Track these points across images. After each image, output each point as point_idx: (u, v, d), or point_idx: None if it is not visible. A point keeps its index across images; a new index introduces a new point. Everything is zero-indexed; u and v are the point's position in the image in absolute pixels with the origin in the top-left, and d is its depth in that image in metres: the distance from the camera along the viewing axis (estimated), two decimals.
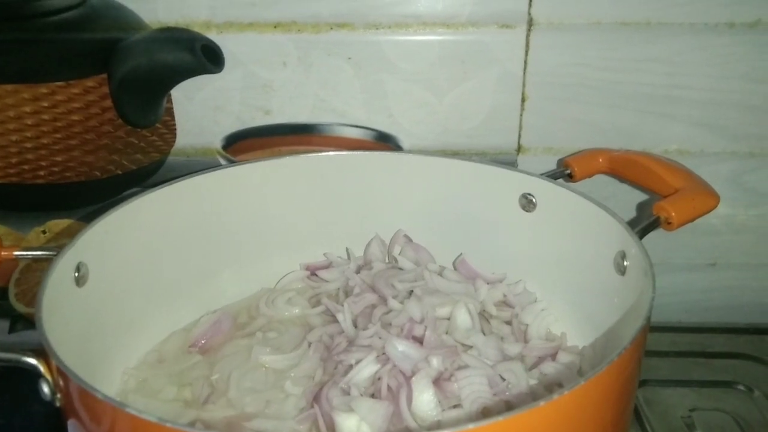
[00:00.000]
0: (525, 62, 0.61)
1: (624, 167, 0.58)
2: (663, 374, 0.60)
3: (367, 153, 0.60)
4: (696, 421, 0.55)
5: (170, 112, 0.63)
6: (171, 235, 0.54)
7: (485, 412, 0.44)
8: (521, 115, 0.63)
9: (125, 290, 0.51)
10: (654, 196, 0.54)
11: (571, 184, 0.56)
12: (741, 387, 0.59)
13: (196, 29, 0.60)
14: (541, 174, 0.55)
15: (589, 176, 0.59)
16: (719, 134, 0.64)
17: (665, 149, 0.64)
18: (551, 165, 0.64)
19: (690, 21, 0.60)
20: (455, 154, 0.64)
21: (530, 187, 0.55)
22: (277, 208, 0.59)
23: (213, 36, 0.60)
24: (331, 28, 0.60)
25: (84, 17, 0.60)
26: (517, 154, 0.65)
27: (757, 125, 0.63)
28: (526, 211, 0.55)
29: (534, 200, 0.55)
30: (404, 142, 0.64)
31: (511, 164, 0.64)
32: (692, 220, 0.50)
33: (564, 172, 0.58)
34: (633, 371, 0.38)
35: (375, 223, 0.61)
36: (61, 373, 0.34)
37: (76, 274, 0.45)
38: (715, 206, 0.52)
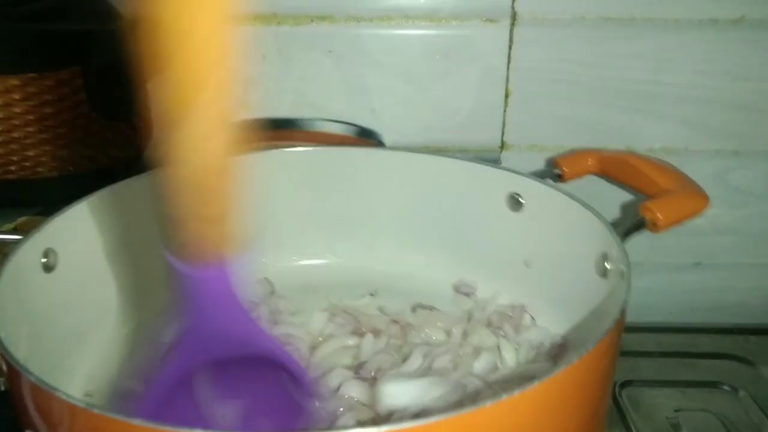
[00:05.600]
0: (509, 57, 0.60)
1: (614, 168, 0.56)
2: (648, 375, 0.59)
3: (350, 149, 0.59)
4: (681, 422, 0.54)
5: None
6: (143, 227, 0.52)
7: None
8: (505, 111, 0.62)
9: (94, 281, 0.49)
10: (642, 197, 0.52)
11: (559, 184, 0.55)
12: (726, 387, 0.58)
13: None
14: (529, 173, 0.54)
15: (579, 177, 0.57)
16: (704, 132, 0.63)
17: (650, 147, 0.63)
18: (535, 162, 0.63)
19: (674, 17, 0.59)
20: (438, 151, 0.63)
21: (518, 186, 0.53)
22: (261, 203, 0.57)
23: None
24: (312, 21, 0.59)
25: (58, 6, 0.58)
26: (501, 151, 0.64)
27: (742, 123, 0.63)
28: (513, 210, 0.54)
29: (521, 199, 0.53)
30: (386, 138, 0.63)
31: (495, 161, 0.64)
32: (679, 222, 0.48)
33: (553, 172, 0.56)
34: (599, 376, 0.36)
35: (357, 221, 0.59)
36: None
37: (45, 260, 0.44)
38: (704, 208, 0.50)
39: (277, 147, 0.61)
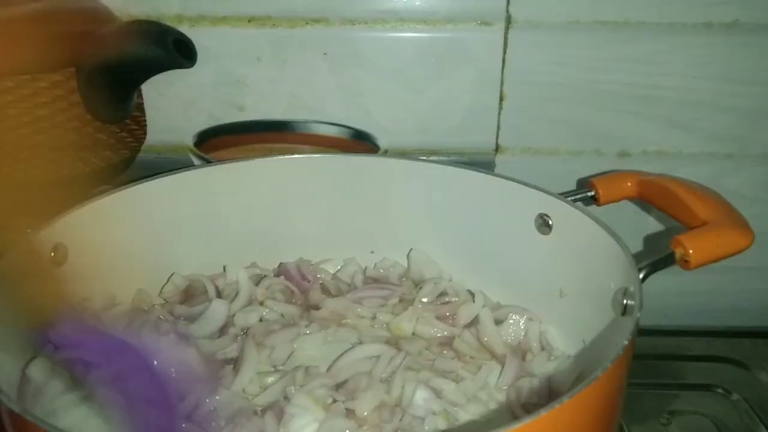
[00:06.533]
0: (503, 60, 0.60)
1: (653, 193, 0.51)
2: (642, 377, 0.59)
3: (380, 158, 0.58)
4: (675, 425, 0.54)
5: (141, 107, 0.61)
6: (151, 229, 0.53)
7: None
8: (499, 114, 0.62)
9: (101, 277, 0.50)
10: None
11: (590, 208, 0.49)
12: (720, 390, 0.58)
13: (168, 23, 0.58)
14: (561, 193, 0.50)
15: (615, 201, 0.53)
16: (697, 135, 0.63)
17: (644, 150, 0.64)
18: (529, 165, 0.63)
19: (668, 21, 0.59)
20: (433, 153, 0.63)
21: (547, 207, 0.50)
22: (283, 206, 0.56)
23: (185, 30, 0.58)
24: (307, 23, 0.59)
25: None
26: (495, 153, 0.64)
27: (736, 127, 0.63)
28: (541, 232, 0.51)
29: (550, 222, 0.50)
30: (381, 140, 0.63)
31: (489, 164, 0.64)
32: (716, 260, 0.44)
33: (587, 194, 0.52)
34: (595, 416, 0.34)
35: (382, 232, 0.57)
36: None
37: (53, 255, 0.45)
38: (746, 247, 0.44)
39: (271, 150, 0.61)
